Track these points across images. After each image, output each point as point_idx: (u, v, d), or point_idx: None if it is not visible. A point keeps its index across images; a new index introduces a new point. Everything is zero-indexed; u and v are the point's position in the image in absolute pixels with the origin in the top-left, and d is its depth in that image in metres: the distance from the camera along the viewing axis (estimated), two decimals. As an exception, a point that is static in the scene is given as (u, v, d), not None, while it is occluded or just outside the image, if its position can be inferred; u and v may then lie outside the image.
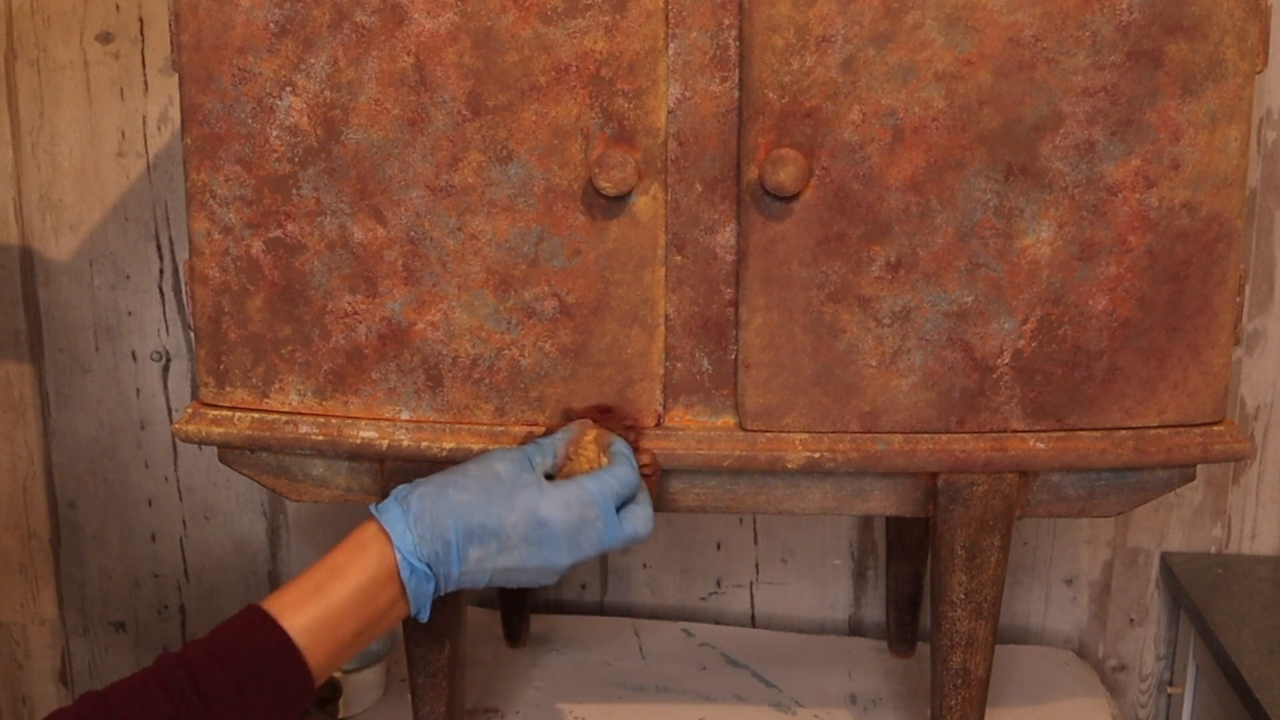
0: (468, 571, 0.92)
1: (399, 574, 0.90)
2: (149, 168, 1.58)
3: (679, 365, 1.07)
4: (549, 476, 0.97)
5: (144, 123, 1.57)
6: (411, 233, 1.05)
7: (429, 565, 0.91)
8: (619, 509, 0.95)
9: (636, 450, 1.03)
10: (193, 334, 1.10)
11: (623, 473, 0.96)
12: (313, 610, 0.88)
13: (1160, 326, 1.05)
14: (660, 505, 1.11)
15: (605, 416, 1.05)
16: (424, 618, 0.94)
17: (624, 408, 1.07)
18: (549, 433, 1.03)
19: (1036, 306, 1.04)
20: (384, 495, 1.11)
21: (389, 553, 0.90)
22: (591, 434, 1.01)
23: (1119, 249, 1.03)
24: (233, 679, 0.84)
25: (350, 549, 0.91)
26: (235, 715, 0.84)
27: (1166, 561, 1.56)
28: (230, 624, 0.88)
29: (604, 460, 0.98)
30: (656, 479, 1.05)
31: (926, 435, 1.07)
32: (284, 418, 1.09)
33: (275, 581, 1.70)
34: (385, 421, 1.08)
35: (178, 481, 1.68)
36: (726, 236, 1.05)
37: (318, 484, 1.12)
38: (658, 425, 1.08)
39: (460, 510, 0.91)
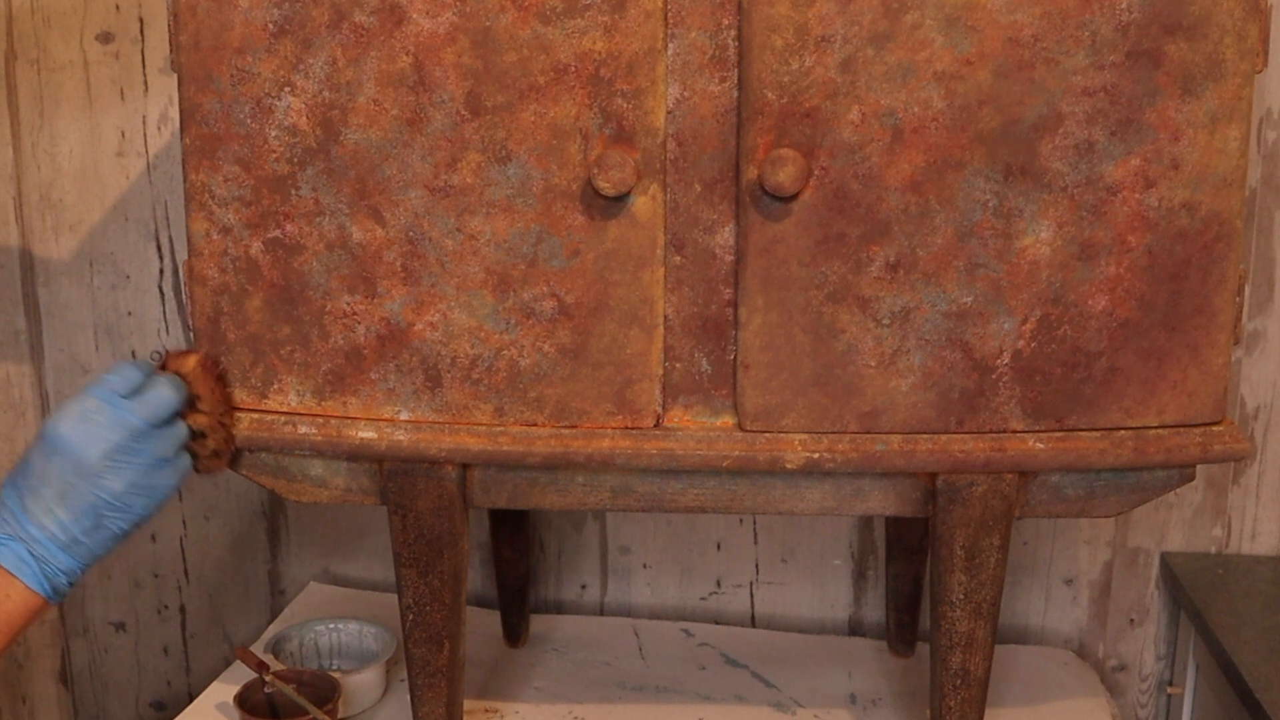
0: (45, 524, 0.98)
1: None
2: (149, 168, 1.58)
3: (678, 365, 1.07)
4: None
5: (144, 123, 1.57)
6: (410, 233, 1.05)
7: (9, 534, 0.97)
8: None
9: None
10: (192, 334, 1.10)
11: (119, 368, 1.03)
12: None
13: (1160, 326, 1.05)
14: (660, 505, 1.11)
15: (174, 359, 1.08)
16: (50, 595, 0.99)
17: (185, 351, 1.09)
18: None
19: (1036, 307, 1.04)
20: (383, 495, 1.11)
21: None
22: None
23: (1118, 249, 1.03)
24: None
25: None
26: None
27: (1166, 561, 1.56)
28: None
29: None
30: (203, 372, 1.07)
31: (926, 435, 1.07)
32: (283, 418, 1.09)
33: (275, 581, 1.70)
34: (384, 422, 1.08)
35: (178, 481, 1.68)
36: (725, 237, 1.05)
37: (317, 484, 1.12)
38: (656, 425, 1.08)
39: (7, 475, 0.99)
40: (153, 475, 1.01)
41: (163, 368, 1.07)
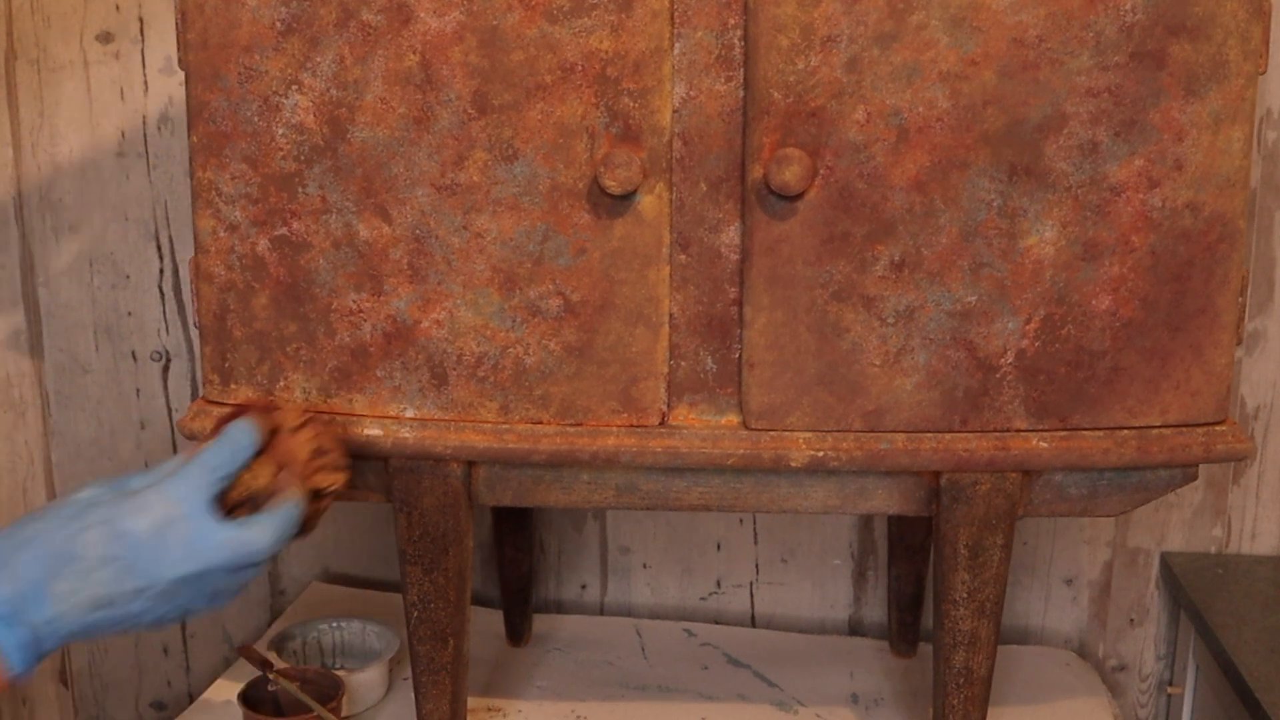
0: (65, 612, 0.81)
1: None
2: (149, 168, 1.58)
3: (683, 364, 1.08)
4: None
5: (144, 123, 1.57)
6: (417, 231, 1.05)
7: (12, 609, 0.80)
8: (241, 512, 0.87)
9: (273, 435, 0.92)
10: (197, 331, 1.10)
11: (208, 457, 0.85)
12: None
13: (1163, 326, 1.06)
14: (665, 504, 1.11)
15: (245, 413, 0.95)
16: (21, 673, 0.81)
17: (272, 401, 1.01)
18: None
19: (1040, 306, 1.05)
20: (389, 493, 1.11)
21: None
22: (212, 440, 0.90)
23: (1122, 249, 1.04)
24: None
25: None
26: None
27: (1166, 561, 1.56)
28: None
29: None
30: (320, 463, 0.94)
31: (930, 434, 1.07)
32: (288, 416, 1.09)
33: (274, 581, 1.70)
34: (390, 420, 1.08)
35: (178, 481, 1.67)
36: (731, 235, 1.05)
37: (322, 482, 1.12)
38: (661, 423, 1.08)
39: (34, 541, 0.82)
40: (211, 602, 0.86)
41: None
